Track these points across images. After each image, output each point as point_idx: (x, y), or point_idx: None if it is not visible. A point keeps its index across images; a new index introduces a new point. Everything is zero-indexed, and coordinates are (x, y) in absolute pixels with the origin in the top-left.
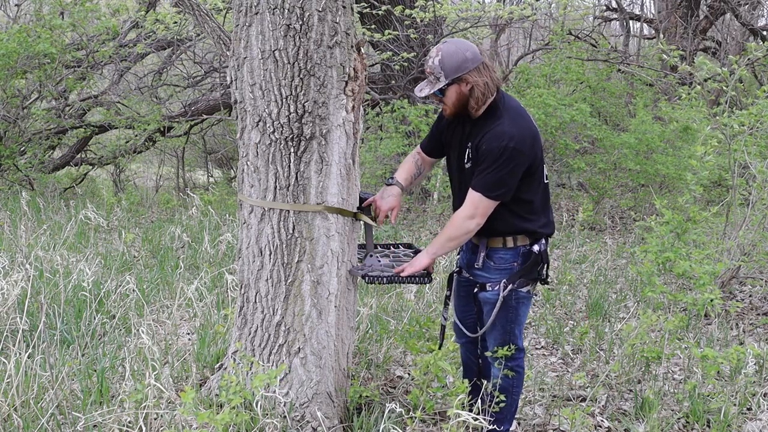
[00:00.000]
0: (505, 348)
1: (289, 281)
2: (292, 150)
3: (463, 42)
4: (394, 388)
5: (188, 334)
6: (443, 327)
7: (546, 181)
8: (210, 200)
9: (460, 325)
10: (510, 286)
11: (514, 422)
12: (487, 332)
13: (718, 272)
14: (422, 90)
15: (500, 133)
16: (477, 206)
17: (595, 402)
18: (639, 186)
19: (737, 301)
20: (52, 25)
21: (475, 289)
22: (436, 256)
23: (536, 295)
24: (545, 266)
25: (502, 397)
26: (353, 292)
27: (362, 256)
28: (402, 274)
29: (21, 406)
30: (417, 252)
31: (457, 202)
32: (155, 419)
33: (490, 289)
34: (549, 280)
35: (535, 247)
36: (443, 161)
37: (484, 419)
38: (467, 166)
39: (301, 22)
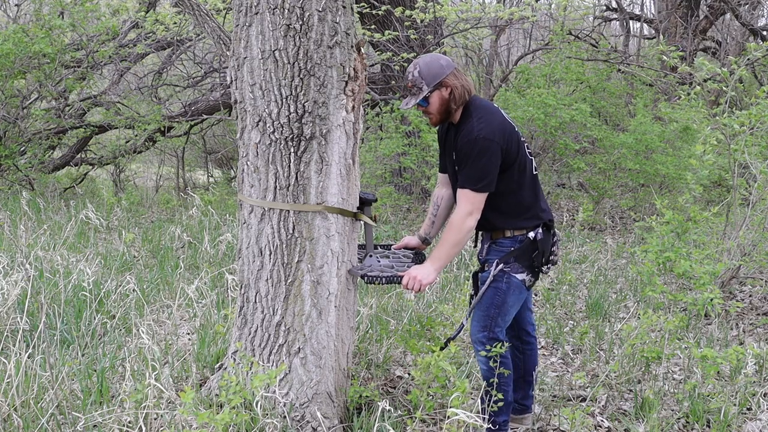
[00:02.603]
0: (483, 336)
1: (289, 281)
2: (292, 150)
3: (435, 54)
4: (394, 388)
5: (188, 334)
6: (462, 325)
7: (535, 173)
8: (210, 200)
9: None
10: (501, 266)
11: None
12: (474, 311)
13: (718, 272)
14: (408, 103)
15: (470, 129)
16: (471, 201)
17: (595, 402)
18: (639, 186)
19: (737, 301)
20: (52, 25)
21: (478, 271)
22: (443, 268)
23: (531, 287)
24: (540, 255)
25: (500, 396)
26: (353, 292)
27: (362, 256)
28: (410, 290)
29: (21, 406)
30: (417, 253)
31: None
32: (155, 419)
33: (488, 268)
34: (546, 270)
35: (531, 234)
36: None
37: (481, 416)
38: (456, 169)
39: (301, 22)
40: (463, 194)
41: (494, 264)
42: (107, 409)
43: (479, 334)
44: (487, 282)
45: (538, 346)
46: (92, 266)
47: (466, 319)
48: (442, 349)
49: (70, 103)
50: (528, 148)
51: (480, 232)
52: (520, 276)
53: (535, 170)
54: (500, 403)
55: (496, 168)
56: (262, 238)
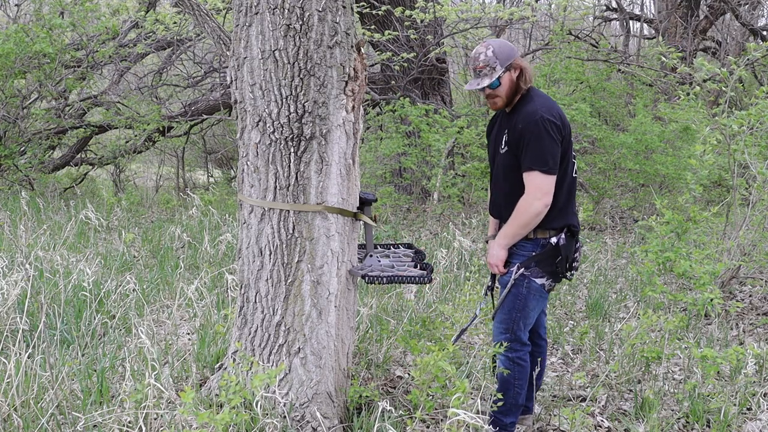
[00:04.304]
0: (505, 338)
1: (289, 281)
2: (292, 150)
3: (501, 39)
4: (394, 388)
5: (188, 334)
6: (475, 316)
7: (574, 176)
8: (210, 200)
9: None
10: (522, 270)
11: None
12: (496, 315)
13: (718, 272)
14: (480, 83)
15: (532, 110)
16: (538, 185)
17: (595, 402)
18: (639, 186)
19: (737, 301)
20: (52, 24)
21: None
22: (509, 246)
23: (551, 291)
24: (564, 260)
25: (500, 396)
26: (353, 292)
27: (362, 256)
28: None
29: (21, 406)
30: (417, 252)
31: (493, 189)
32: (155, 419)
33: (508, 270)
34: (570, 276)
35: (553, 240)
36: (442, 161)
37: (483, 418)
38: (503, 150)
39: (301, 22)
40: (531, 177)
41: (515, 268)
42: (107, 409)
43: (501, 336)
44: (508, 286)
45: None
46: (92, 266)
47: (479, 309)
48: (455, 340)
49: (70, 103)
50: (573, 150)
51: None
52: (539, 281)
53: (575, 173)
54: (500, 403)
55: (559, 150)
56: (262, 238)
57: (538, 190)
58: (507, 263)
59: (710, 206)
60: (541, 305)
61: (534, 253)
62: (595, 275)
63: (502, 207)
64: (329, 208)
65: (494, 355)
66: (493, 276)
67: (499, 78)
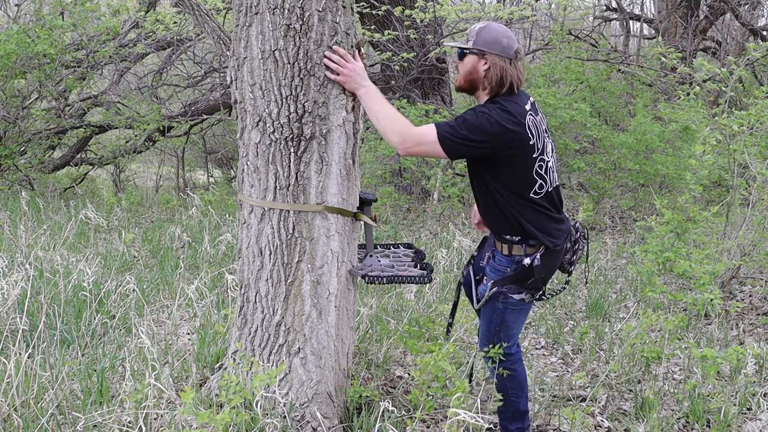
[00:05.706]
0: (494, 348)
1: (289, 281)
2: (292, 150)
3: (508, 32)
4: (394, 388)
5: (188, 334)
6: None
7: (549, 191)
8: (210, 200)
9: None
10: (495, 289)
11: None
12: (479, 326)
13: (718, 272)
14: (451, 43)
15: (485, 107)
16: (421, 133)
17: (595, 402)
18: (639, 186)
19: (737, 301)
20: (53, 25)
21: (478, 278)
22: (353, 89)
23: (533, 301)
24: (538, 282)
25: (500, 396)
26: (353, 292)
27: (362, 256)
28: (331, 75)
29: (21, 406)
30: (417, 252)
31: (476, 198)
32: (155, 419)
33: (485, 282)
34: (545, 297)
35: (526, 260)
36: (442, 161)
37: (482, 417)
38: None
39: (301, 22)
40: (429, 126)
41: (489, 285)
42: (107, 409)
43: (484, 348)
44: (483, 299)
45: (539, 347)
46: (92, 266)
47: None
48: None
49: (70, 103)
50: (544, 169)
51: (489, 232)
52: (517, 296)
53: (550, 188)
54: (500, 403)
55: (471, 143)
56: (262, 238)
57: (417, 136)
58: (482, 278)
59: (710, 206)
60: (523, 316)
61: (509, 269)
62: (595, 275)
63: (481, 213)
64: (329, 208)
65: (483, 359)
66: (467, 291)
67: (465, 53)
